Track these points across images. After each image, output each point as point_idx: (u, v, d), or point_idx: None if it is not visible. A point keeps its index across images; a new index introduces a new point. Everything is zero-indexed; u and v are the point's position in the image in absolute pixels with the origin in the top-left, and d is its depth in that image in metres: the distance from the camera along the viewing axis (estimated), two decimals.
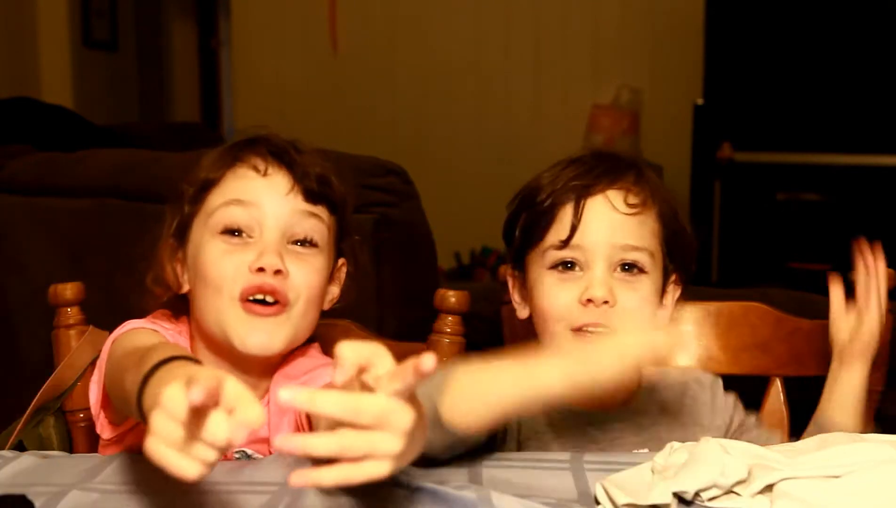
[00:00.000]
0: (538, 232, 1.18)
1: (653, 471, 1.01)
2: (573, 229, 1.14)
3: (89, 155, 2.24)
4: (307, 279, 1.16)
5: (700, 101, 4.52)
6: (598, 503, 0.98)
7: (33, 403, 1.33)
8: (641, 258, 1.16)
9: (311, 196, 1.17)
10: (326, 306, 1.25)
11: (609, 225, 1.15)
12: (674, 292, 1.22)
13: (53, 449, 1.32)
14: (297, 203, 1.17)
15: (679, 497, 0.96)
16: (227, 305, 1.15)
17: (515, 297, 1.25)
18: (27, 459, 1.16)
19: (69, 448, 1.37)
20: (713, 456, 0.98)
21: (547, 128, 5.03)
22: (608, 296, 1.13)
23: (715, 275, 4.59)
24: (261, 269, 1.13)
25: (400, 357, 1.40)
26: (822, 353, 1.44)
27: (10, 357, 2.08)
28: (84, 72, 4.92)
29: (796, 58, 4.40)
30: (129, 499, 1.04)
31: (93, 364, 1.38)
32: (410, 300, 1.95)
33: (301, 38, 5.14)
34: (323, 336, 1.34)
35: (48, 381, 1.36)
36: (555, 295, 1.16)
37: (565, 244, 1.15)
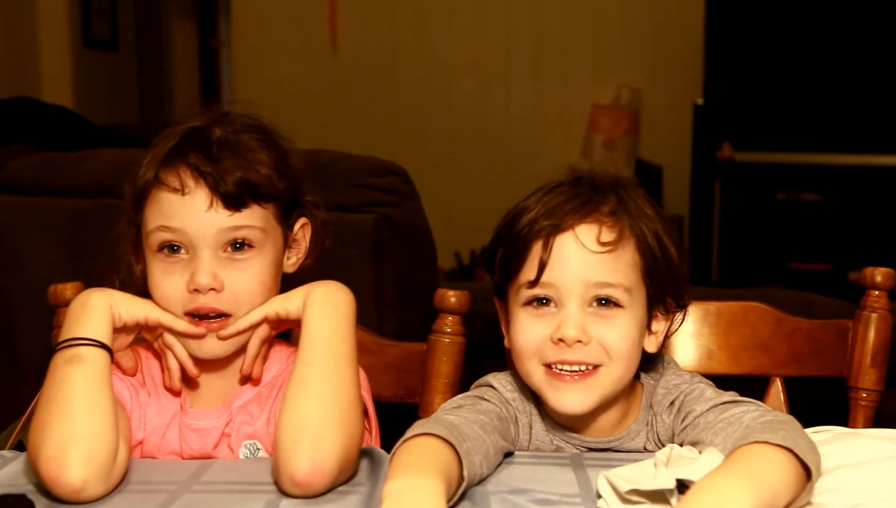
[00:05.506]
0: (512, 268, 1.16)
1: (655, 465, 1.02)
2: (541, 269, 1.13)
3: (89, 155, 2.24)
4: (246, 286, 1.19)
5: (700, 101, 4.52)
6: (599, 496, 0.99)
7: (33, 403, 1.33)
8: (616, 293, 1.13)
9: (232, 204, 1.17)
10: (291, 270, 1.27)
11: (579, 263, 1.13)
12: (665, 319, 1.20)
13: None
14: (220, 217, 1.17)
15: (682, 484, 0.97)
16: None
17: (502, 326, 1.24)
18: (27, 459, 1.16)
19: None
20: None
21: (547, 128, 5.03)
22: (580, 336, 1.12)
23: (715, 275, 4.59)
24: (196, 289, 1.17)
25: (400, 357, 1.42)
26: (822, 353, 1.45)
27: (10, 357, 2.08)
28: (84, 72, 4.91)
29: (796, 58, 4.40)
30: (129, 498, 1.04)
31: None
32: (410, 300, 1.95)
33: (301, 38, 5.14)
34: None
35: None
36: (528, 331, 1.15)
37: (534, 283, 1.13)
